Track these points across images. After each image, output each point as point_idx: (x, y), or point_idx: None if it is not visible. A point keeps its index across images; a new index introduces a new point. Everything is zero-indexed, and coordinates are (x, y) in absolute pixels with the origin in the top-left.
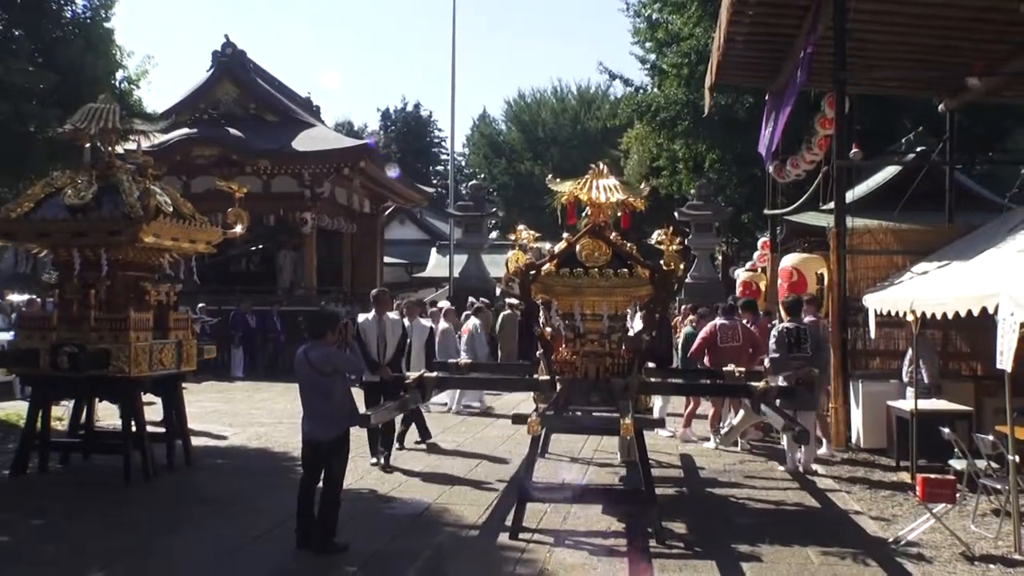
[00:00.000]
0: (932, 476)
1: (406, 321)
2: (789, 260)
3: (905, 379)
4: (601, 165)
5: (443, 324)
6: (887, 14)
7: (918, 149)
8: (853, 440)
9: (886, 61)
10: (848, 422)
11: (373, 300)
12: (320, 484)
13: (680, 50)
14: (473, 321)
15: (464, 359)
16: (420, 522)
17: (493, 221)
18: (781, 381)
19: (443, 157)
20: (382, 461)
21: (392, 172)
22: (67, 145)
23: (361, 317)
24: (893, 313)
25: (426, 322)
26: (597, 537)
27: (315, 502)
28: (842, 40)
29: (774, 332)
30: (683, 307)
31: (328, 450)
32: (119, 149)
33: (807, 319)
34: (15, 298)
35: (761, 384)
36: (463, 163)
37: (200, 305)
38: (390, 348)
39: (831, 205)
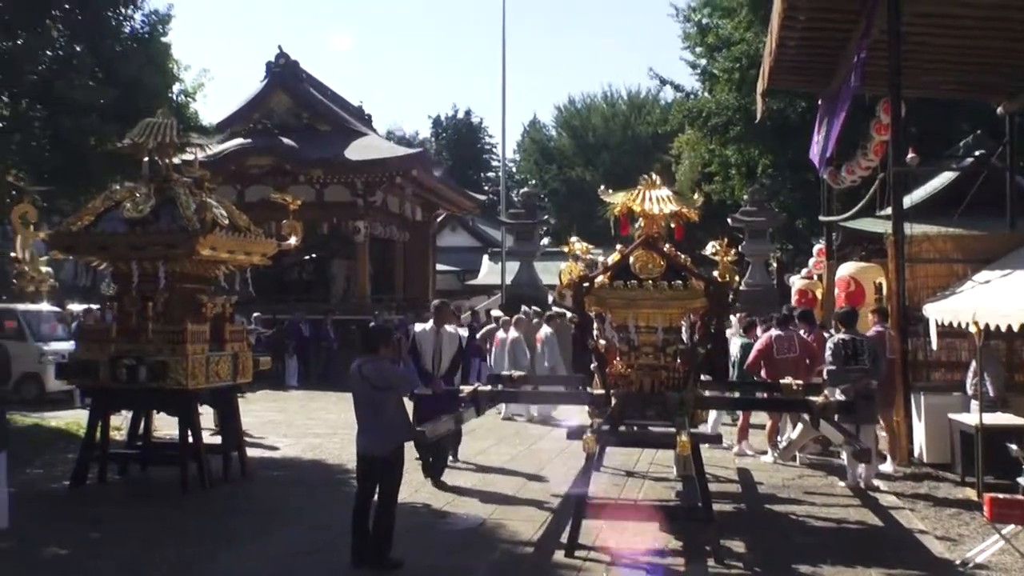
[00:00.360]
0: (1001, 496)
1: (463, 332)
2: (846, 269)
3: (969, 392)
4: (653, 176)
5: (513, 333)
6: (943, 16)
7: (976, 153)
8: (915, 454)
9: (942, 64)
10: (910, 436)
11: (434, 311)
12: (375, 499)
13: (731, 55)
14: (545, 329)
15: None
16: (475, 537)
17: (544, 228)
18: (839, 394)
19: (494, 164)
20: (432, 477)
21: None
22: (126, 159)
23: (418, 327)
24: (955, 324)
25: (463, 331)
26: (654, 555)
27: (370, 517)
28: (897, 44)
29: (830, 344)
30: (738, 316)
31: (383, 465)
32: (176, 160)
33: (874, 330)
34: (75, 308)
35: (820, 398)
36: (514, 169)
37: (255, 314)
38: (445, 361)
39: (888, 211)
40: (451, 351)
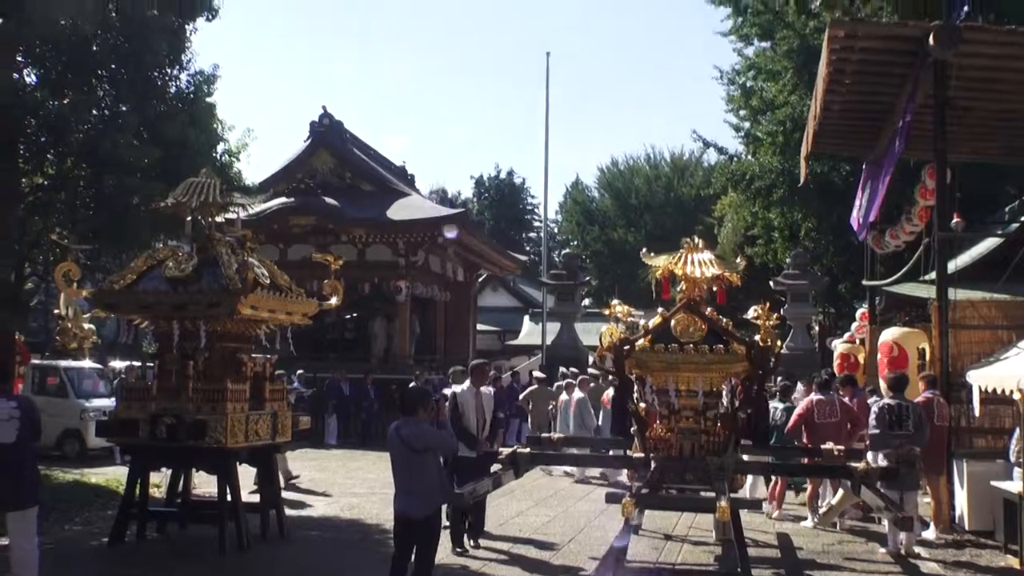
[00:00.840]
0: None
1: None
2: (889, 334)
3: (1012, 459)
4: (696, 239)
5: (578, 394)
6: (989, 81)
7: (1022, 218)
8: (956, 521)
9: (988, 129)
10: (952, 503)
11: (472, 371)
12: (412, 562)
13: (775, 118)
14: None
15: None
16: None
17: (586, 289)
18: (881, 460)
19: (536, 224)
20: (469, 544)
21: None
22: (169, 218)
23: (457, 388)
24: (999, 391)
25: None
26: None
27: None
28: (942, 109)
29: (874, 408)
30: (779, 380)
31: (421, 528)
32: (219, 219)
33: (923, 396)
34: (117, 365)
35: (862, 465)
36: (556, 230)
37: (299, 372)
38: (487, 422)
39: (932, 276)
40: (490, 411)
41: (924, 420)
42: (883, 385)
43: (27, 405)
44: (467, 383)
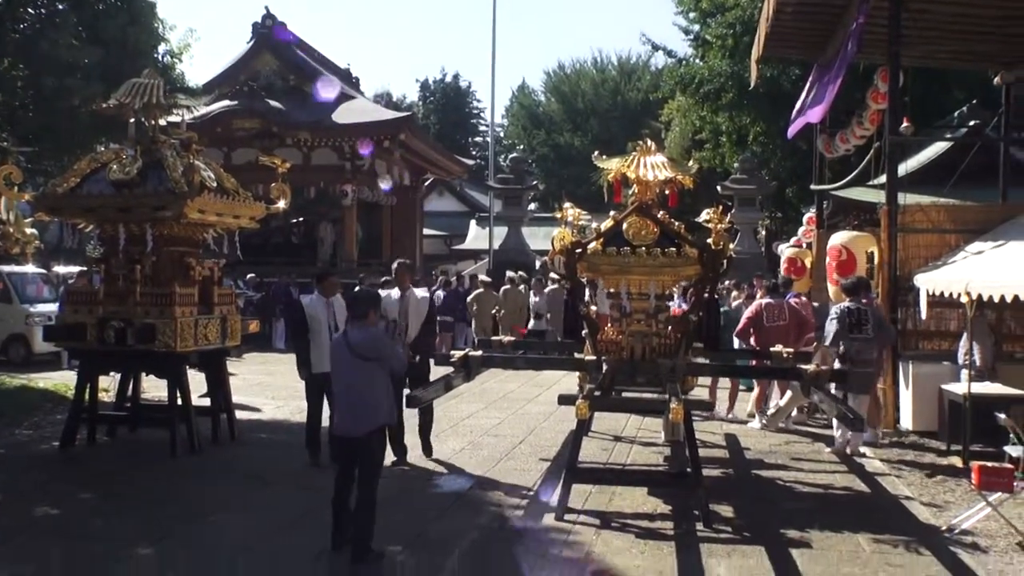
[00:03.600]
0: (988, 464)
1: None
2: (838, 238)
3: (961, 361)
4: (649, 142)
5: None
6: None
7: (971, 123)
8: (901, 422)
9: (941, 32)
10: (896, 404)
11: (394, 273)
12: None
13: (725, 20)
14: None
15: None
16: (463, 502)
17: (532, 193)
18: (836, 363)
19: (482, 128)
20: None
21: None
22: (111, 120)
23: (383, 293)
24: (946, 294)
25: (421, 292)
26: (643, 519)
27: (351, 500)
28: (897, 11)
29: (835, 311)
30: (728, 283)
31: (364, 446)
32: (162, 122)
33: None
34: (61, 270)
35: (812, 366)
36: (502, 134)
37: (250, 276)
38: (412, 328)
39: (880, 180)
40: (420, 316)
41: (885, 320)
42: (831, 289)
43: None
44: (395, 289)
